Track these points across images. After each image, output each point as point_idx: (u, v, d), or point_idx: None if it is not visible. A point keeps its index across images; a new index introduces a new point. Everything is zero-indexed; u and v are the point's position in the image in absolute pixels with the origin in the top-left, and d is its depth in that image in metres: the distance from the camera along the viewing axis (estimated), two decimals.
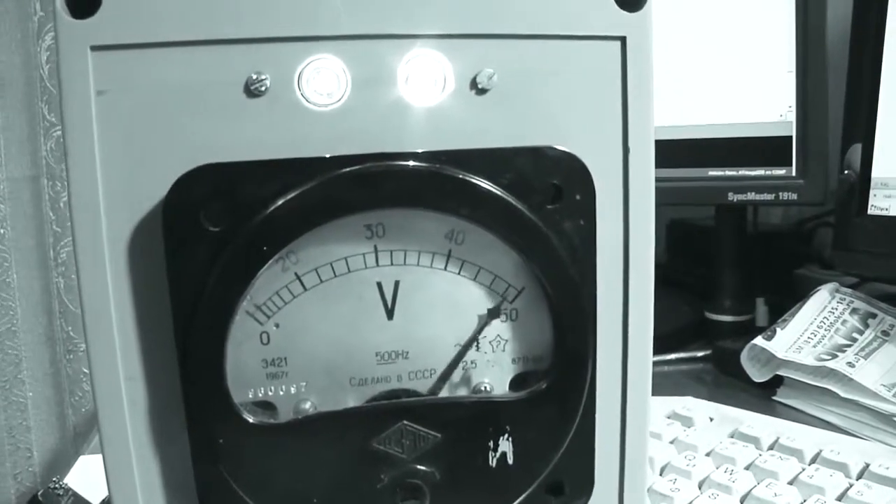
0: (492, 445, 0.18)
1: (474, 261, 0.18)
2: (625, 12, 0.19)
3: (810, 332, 0.58)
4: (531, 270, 0.18)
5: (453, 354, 0.19)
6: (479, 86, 0.18)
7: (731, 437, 0.43)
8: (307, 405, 0.18)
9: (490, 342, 0.19)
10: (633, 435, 0.21)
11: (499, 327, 0.19)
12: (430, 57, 0.18)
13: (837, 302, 0.60)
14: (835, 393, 0.50)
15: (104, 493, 0.42)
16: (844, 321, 0.58)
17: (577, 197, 0.18)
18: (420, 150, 0.18)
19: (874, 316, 0.58)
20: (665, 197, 0.70)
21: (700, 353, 0.66)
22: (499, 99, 0.18)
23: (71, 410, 0.86)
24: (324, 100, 0.18)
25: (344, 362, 0.18)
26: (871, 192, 0.58)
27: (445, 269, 0.18)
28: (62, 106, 0.17)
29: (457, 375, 0.19)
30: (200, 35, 0.17)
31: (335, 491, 0.18)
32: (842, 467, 0.37)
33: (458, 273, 0.18)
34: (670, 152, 0.67)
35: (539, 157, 0.18)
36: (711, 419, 0.46)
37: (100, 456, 0.52)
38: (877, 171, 0.57)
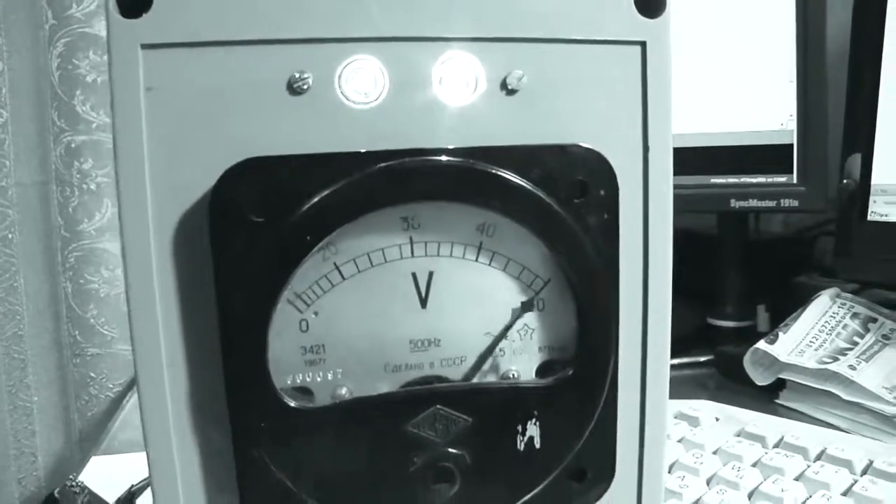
0: (520, 430, 0.19)
1: (504, 252, 0.19)
2: (645, 18, 0.20)
3: (812, 336, 0.59)
4: (557, 262, 0.19)
5: (482, 342, 0.19)
6: (509, 87, 0.19)
7: (738, 436, 0.43)
8: (343, 391, 0.19)
9: (518, 331, 0.20)
10: (652, 425, 0.21)
11: (527, 317, 0.20)
12: (463, 59, 0.19)
13: (838, 307, 0.60)
14: (837, 395, 0.51)
15: (117, 493, 0.43)
16: (845, 325, 0.59)
17: (602, 192, 0.19)
18: (453, 147, 0.18)
19: (874, 320, 0.59)
20: None
21: (703, 358, 0.67)
22: (527, 99, 0.19)
23: (77, 415, 0.86)
24: (362, 98, 0.19)
25: (379, 349, 0.19)
26: (872, 199, 0.59)
27: (476, 260, 0.19)
28: (112, 101, 0.18)
29: (486, 363, 0.19)
30: (246, 35, 0.18)
31: (370, 473, 0.19)
32: (846, 464, 0.38)
33: (489, 264, 0.19)
34: (673, 160, 0.68)
35: (565, 154, 0.19)
36: (717, 419, 0.47)
37: (112, 456, 0.53)
38: (876, 178, 0.58)
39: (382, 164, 0.18)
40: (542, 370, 0.20)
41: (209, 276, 0.18)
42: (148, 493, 0.43)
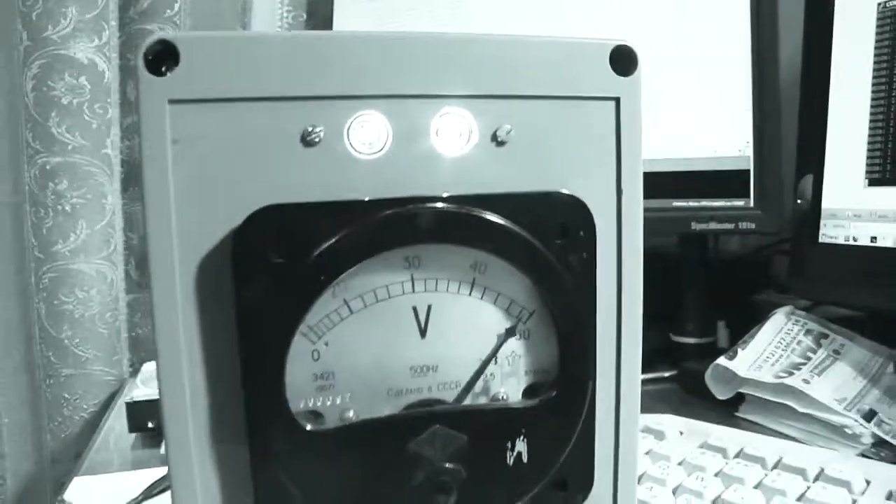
0: (509, 446, 0.21)
1: (494, 287, 0.21)
2: (619, 77, 0.22)
3: (769, 352, 0.62)
4: (541, 296, 0.21)
5: (476, 368, 0.22)
6: (499, 139, 0.21)
7: (701, 447, 0.46)
8: (350, 413, 0.21)
9: (506, 357, 0.22)
10: (625, 440, 0.24)
11: (514, 344, 0.22)
12: (458, 113, 0.21)
13: (793, 324, 0.64)
14: (792, 408, 0.54)
15: None
16: (799, 341, 0.62)
17: (581, 233, 0.21)
18: (448, 195, 0.21)
19: (826, 336, 0.62)
20: None
21: (667, 374, 0.70)
22: (515, 150, 0.22)
23: (50, 436, 0.86)
24: (368, 149, 0.21)
25: (383, 375, 0.21)
26: (822, 222, 0.62)
27: (470, 294, 0.21)
28: (142, 152, 0.20)
29: (478, 386, 0.22)
30: (263, 92, 0.20)
31: (376, 487, 0.21)
32: (800, 472, 0.41)
33: (481, 298, 0.21)
34: None
35: (549, 200, 0.21)
36: (682, 433, 0.49)
37: (93, 477, 0.53)
38: (826, 203, 0.62)
39: (387, 212, 0.20)
40: (528, 392, 0.22)
41: (230, 311, 0.20)
42: None
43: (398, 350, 0.21)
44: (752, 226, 0.69)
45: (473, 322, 0.21)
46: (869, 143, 0.58)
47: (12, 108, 0.81)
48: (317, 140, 0.20)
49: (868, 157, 0.58)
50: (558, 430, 0.22)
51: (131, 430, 0.62)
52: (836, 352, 0.61)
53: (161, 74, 0.20)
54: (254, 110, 0.20)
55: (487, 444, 0.21)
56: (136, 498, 0.44)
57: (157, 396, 0.61)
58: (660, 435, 0.49)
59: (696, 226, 0.71)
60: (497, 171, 0.21)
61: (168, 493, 0.44)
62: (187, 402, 0.20)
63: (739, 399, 0.59)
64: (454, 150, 0.21)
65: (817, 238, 0.63)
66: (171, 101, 0.20)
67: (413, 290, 0.21)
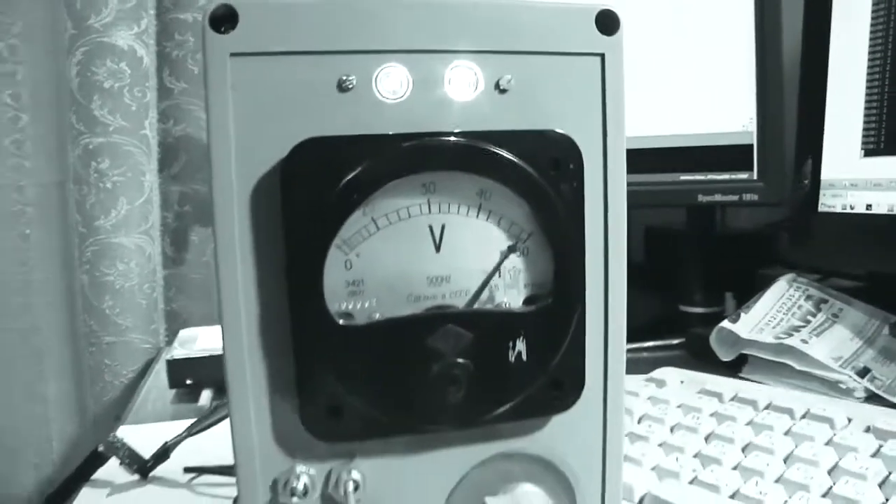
0: (511, 345, 0.25)
1: (498, 211, 0.25)
2: (604, 36, 0.26)
3: (770, 315, 0.65)
4: (538, 219, 0.26)
5: (482, 279, 0.26)
6: (501, 87, 0.26)
7: (699, 393, 0.50)
8: (377, 315, 0.25)
9: (508, 271, 0.26)
10: (613, 349, 0.28)
11: (514, 260, 0.26)
12: (466, 66, 0.25)
13: (794, 290, 0.67)
14: (791, 367, 0.57)
15: (149, 452, 0.48)
16: (800, 306, 0.65)
17: (571, 166, 0.25)
18: (459, 131, 0.25)
19: (825, 301, 0.66)
20: (641, 199, 0.79)
21: (675, 341, 0.73)
22: (515, 96, 0.26)
23: (92, 401, 0.91)
24: (392, 95, 0.25)
25: (404, 283, 0.25)
26: (821, 192, 0.66)
27: (477, 216, 0.25)
28: (207, 97, 0.24)
29: (484, 295, 0.26)
30: (307, 47, 0.24)
31: (398, 377, 0.25)
32: (788, 411, 0.44)
33: (486, 220, 0.25)
34: (646, 159, 0.75)
35: (544, 137, 0.25)
36: (682, 382, 0.53)
37: (137, 426, 0.58)
38: (825, 174, 0.65)
39: (407, 144, 0.24)
40: (527, 302, 0.26)
41: (278, 228, 0.24)
42: (181, 447, 0.48)
43: (416, 262, 0.25)
44: (755, 197, 0.72)
45: (480, 240, 0.25)
46: (865, 116, 0.61)
47: (58, 93, 0.87)
48: (350, 87, 0.24)
49: (864, 130, 0.62)
50: (553, 334, 0.26)
51: (171, 385, 0.67)
52: (835, 315, 0.64)
53: (223, 33, 0.24)
54: (298, 62, 0.24)
55: (492, 342, 0.25)
56: (180, 435, 0.48)
57: (194, 356, 0.67)
58: (661, 383, 0.53)
59: (702, 198, 0.74)
60: (499, 114, 0.25)
61: (207, 433, 0.49)
62: (241, 309, 0.25)
63: (742, 361, 0.63)
64: (463, 95, 0.25)
65: (817, 207, 0.66)
66: (232, 55, 0.24)
67: (429, 212, 0.25)
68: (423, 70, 0.25)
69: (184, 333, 0.76)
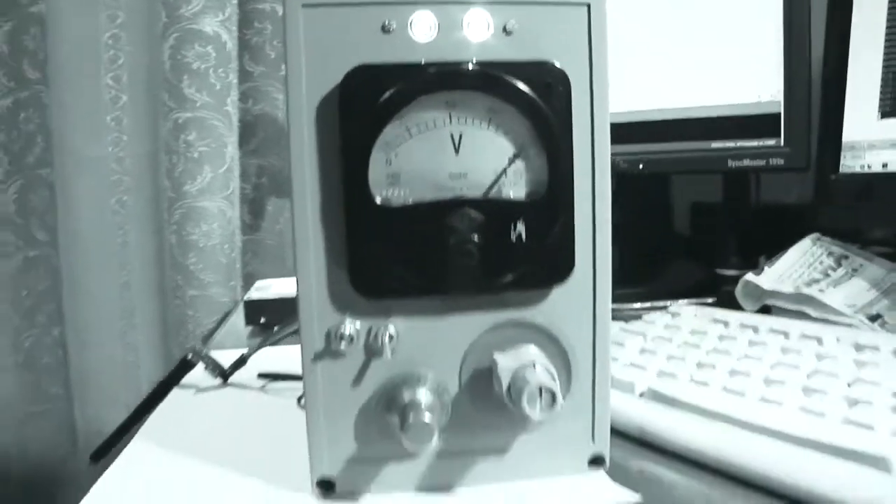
0: (513, 227, 0.33)
1: (504, 125, 0.33)
2: None
3: (793, 269, 0.70)
4: (535, 131, 0.33)
5: (493, 178, 0.33)
6: (508, 30, 0.33)
7: (709, 322, 0.56)
8: (410, 200, 0.33)
9: (513, 171, 0.33)
10: (601, 237, 0.35)
11: (518, 164, 0.33)
12: (481, 14, 0.33)
13: (817, 247, 0.72)
14: (809, 314, 0.62)
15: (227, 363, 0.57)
16: (822, 261, 0.70)
17: (560, 89, 0.33)
18: (476, 60, 0.32)
19: (846, 257, 0.70)
20: (676, 166, 0.85)
21: (710, 300, 0.79)
22: (518, 36, 0.33)
23: (176, 349, 1.02)
24: (423, 36, 0.33)
25: (431, 177, 0.33)
26: (843, 154, 0.70)
27: (488, 128, 0.33)
28: (285, 38, 0.32)
29: (494, 190, 0.33)
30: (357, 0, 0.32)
31: (426, 248, 0.33)
32: (783, 333, 0.50)
33: (496, 132, 0.33)
34: (681, 129, 0.81)
35: (539, 66, 0.33)
36: (695, 315, 0.59)
37: (217, 351, 0.67)
38: (846, 137, 0.70)
39: (434, 69, 0.32)
40: (527, 196, 0.34)
41: (336, 133, 0.32)
42: (255, 358, 0.57)
43: (440, 161, 0.33)
44: (781, 161, 0.77)
45: (491, 147, 0.33)
46: (882, 79, 0.66)
47: (152, 75, 0.98)
48: (391, 29, 0.32)
49: (881, 92, 0.66)
50: (546, 220, 0.33)
51: (247, 323, 0.76)
52: (855, 270, 0.69)
53: None
54: (352, 10, 0.32)
55: (498, 224, 0.33)
56: (255, 346, 0.57)
57: (268, 297, 0.78)
58: (676, 315, 0.59)
59: (732, 163, 0.80)
60: (505, 50, 0.33)
61: (276, 348, 0.58)
62: (308, 199, 0.33)
63: (766, 312, 0.68)
64: (478, 36, 0.33)
65: (838, 169, 0.71)
66: (303, 6, 0.32)
67: (451, 123, 0.33)
68: (447, 16, 0.33)
69: (259, 283, 0.86)
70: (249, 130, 1.05)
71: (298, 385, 0.35)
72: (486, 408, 0.35)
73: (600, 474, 0.37)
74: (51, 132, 0.98)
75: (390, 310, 0.34)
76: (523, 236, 0.33)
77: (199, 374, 0.58)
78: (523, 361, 0.33)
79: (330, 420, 0.34)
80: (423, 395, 0.33)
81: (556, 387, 0.31)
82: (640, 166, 0.82)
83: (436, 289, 0.33)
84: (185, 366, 0.58)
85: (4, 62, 0.97)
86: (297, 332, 0.35)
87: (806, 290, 0.63)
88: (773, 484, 0.35)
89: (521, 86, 0.32)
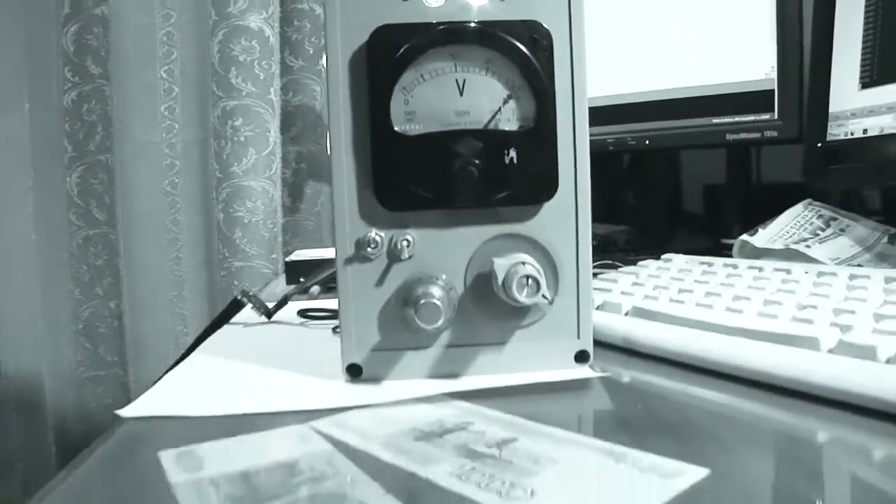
0: (507, 153, 0.41)
1: (499, 72, 0.41)
2: None
3: (784, 230, 0.77)
4: (524, 76, 0.41)
5: (490, 115, 0.41)
6: None
7: (697, 265, 0.62)
8: (423, 132, 0.41)
9: (507, 109, 0.41)
10: (580, 166, 0.42)
11: (511, 104, 0.41)
12: None
13: (808, 211, 0.78)
14: None
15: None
16: (812, 223, 0.76)
17: (544, 42, 0.41)
18: (476, 20, 0.41)
19: (835, 219, 0.76)
20: (679, 140, 0.93)
21: None
22: (511, 1, 0.41)
23: None
24: (434, 2, 0.41)
25: (440, 114, 0.41)
26: (829, 124, 0.76)
27: (486, 75, 0.41)
28: (325, 6, 0.41)
29: (492, 125, 0.41)
30: None
31: (437, 169, 0.41)
32: (759, 268, 0.57)
33: (492, 77, 0.41)
34: (683, 106, 0.88)
35: (526, 24, 0.41)
36: (686, 262, 0.65)
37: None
38: (832, 108, 0.76)
39: (442, 27, 0.40)
40: (518, 128, 0.42)
41: (365, 78, 0.41)
42: (294, 300, 0.66)
43: (448, 101, 0.41)
44: (775, 134, 0.84)
45: (488, 90, 0.41)
46: (862, 53, 0.72)
47: (202, 68, 1.08)
48: None
49: (861, 65, 0.72)
50: (534, 147, 0.41)
51: (288, 282, 0.85)
52: (842, 230, 0.75)
53: None
54: None
55: (494, 150, 0.41)
56: (296, 288, 0.66)
57: (308, 258, 0.88)
58: (668, 261, 0.66)
59: (730, 136, 0.87)
60: (501, 12, 0.41)
61: (314, 301, 0.66)
62: (342, 132, 0.41)
63: None
64: (479, 3, 0.41)
65: (826, 138, 0.77)
66: None
67: (456, 71, 0.41)
68: None
69: (298, 252, 0.95)
70: (289, 120, 1.14)
71: (334, 321, 0.43)
72: (487, 306, 0.43)
73: (584, 369, 0.44)
74: (111, 121, 1.08)
75: (408, 221, 0.42)
76: (515, 160, 0.41)
77: (247, 313, 0.66)
78: (515, 262, 0.41)
79: (358, 315, 0.43)
80: (435, 290, 0.41)
81: (542, 278, 0.39)
82: (647, 142, 0.89)
83: (444, 203, 0.41)
84: (235, 305, 0.67)
85: (70, 60, 1.08)
86: (332, 277, 0.42)
87: (795, 247, 0.69)
88: (730, 369, 0.42)
89: (513, 41, 0.40)
